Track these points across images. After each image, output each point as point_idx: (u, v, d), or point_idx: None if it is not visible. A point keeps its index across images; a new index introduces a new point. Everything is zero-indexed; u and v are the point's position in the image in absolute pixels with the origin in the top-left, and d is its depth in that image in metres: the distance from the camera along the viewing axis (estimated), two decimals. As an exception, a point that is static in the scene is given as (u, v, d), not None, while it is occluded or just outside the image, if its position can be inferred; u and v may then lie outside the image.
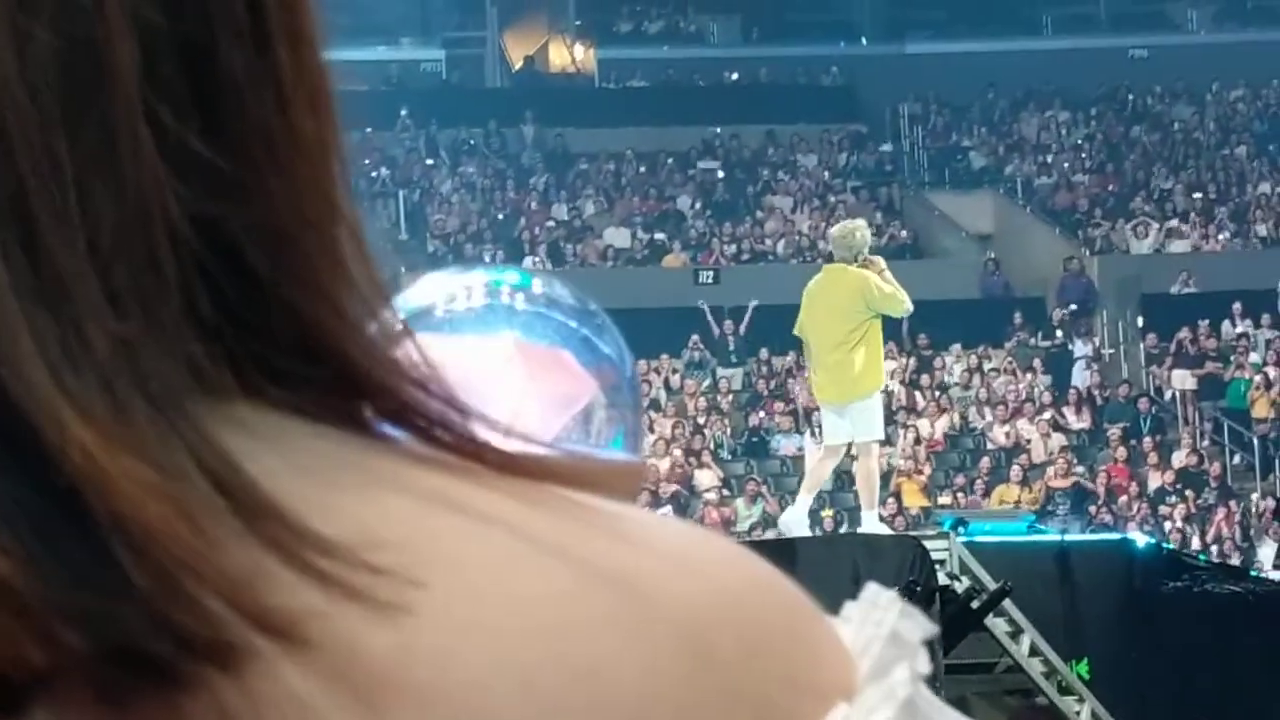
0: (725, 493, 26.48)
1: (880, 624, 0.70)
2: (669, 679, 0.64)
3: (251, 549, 0.61)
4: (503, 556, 0.64)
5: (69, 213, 0.62)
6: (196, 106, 0.65)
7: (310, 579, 0.61)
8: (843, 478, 28.64)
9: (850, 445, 14.07)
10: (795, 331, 14.61)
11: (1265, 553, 22.09)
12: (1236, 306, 31.71)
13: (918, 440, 28.33)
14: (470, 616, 0.63)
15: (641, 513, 0.69)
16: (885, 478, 28.08)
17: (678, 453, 27.10)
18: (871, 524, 14.03)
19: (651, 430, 26.79)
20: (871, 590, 0.71)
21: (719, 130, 38.55)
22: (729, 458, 28.60)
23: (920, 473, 27.03)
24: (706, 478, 26.74)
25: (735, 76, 41.34)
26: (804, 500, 14.44)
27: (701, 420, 29.15)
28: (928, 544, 12.44)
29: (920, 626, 0.70)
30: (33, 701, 0.59)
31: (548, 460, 0.68)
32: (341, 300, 0.68)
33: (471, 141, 38.90)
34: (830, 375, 14.10)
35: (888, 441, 28.68)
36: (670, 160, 37.90)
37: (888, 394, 30.13)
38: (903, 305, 13.89)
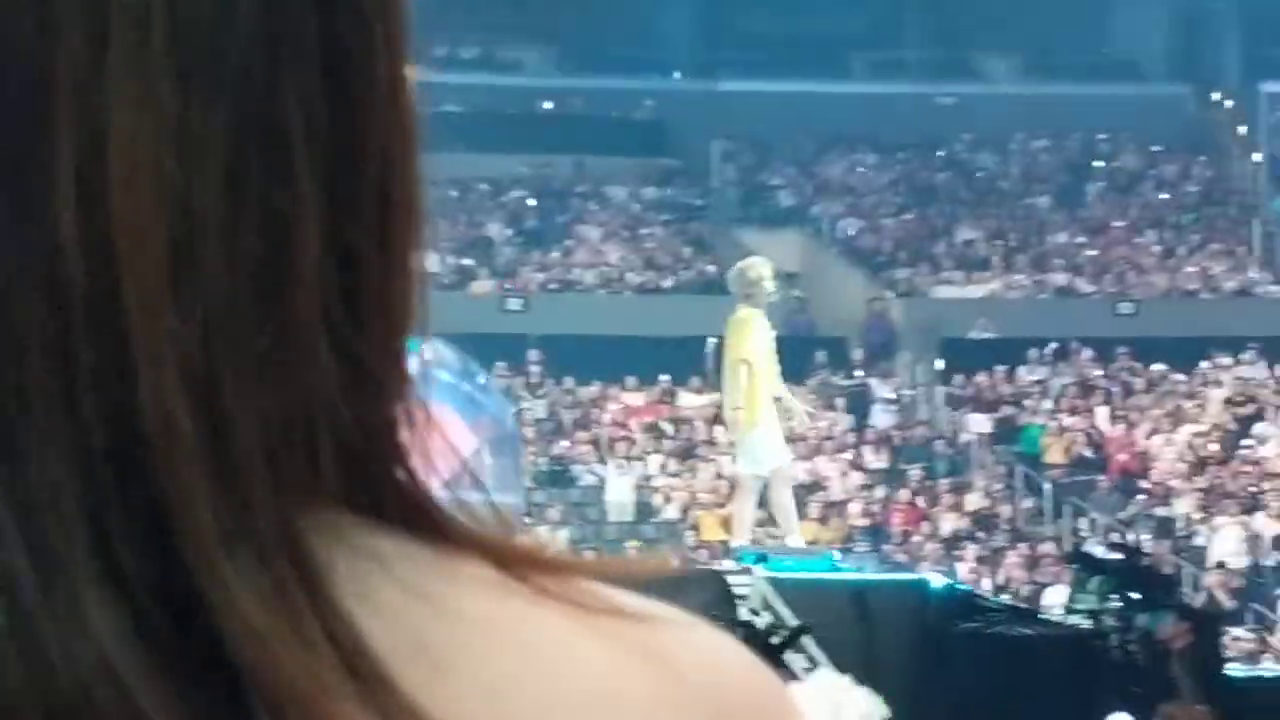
0: (527, 520, 26.49)
1: (840, 705, 0.83)
2: None
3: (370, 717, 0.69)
4: (561, 639, 0.74)
5: (250, 399, 0.69)
6: (349, 307, 0.73)
7: None
8: (642, 509, 28.77)
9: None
10: None
11: (1055, 596, 22.50)
12: (1033, 353, 32.29)
13: (719, 475, 28.54)
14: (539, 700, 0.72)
15: (652, 603, 0.79)
16: (685, 510, 28.31)
17: (480, 479, 27.05)
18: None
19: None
20: (821, 675, 0.85)
21: (531, 159, 38.57)
22: (532, 486, 28.62)
23: (721, 506, 27.21)
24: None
25: (549, 106, 41.42)
26: (739, 540, 14.99)
27: (505, 448, 29.12)
28: (731, 579, 12.56)
29: (881, 709, 0.83)
30: None
31: (572, 558, 0.78)
32: (417, 467, 0.76)
33: (282, 162, 38.55)
34: (728, 411, 14.81)
35: (692, 474, 28.92)
36: (482, 187, 37.87)
37: (691, 427, 30.38)
38: (740, 364, 14.34)
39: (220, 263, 0.68)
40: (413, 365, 0.77)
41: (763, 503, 15.58)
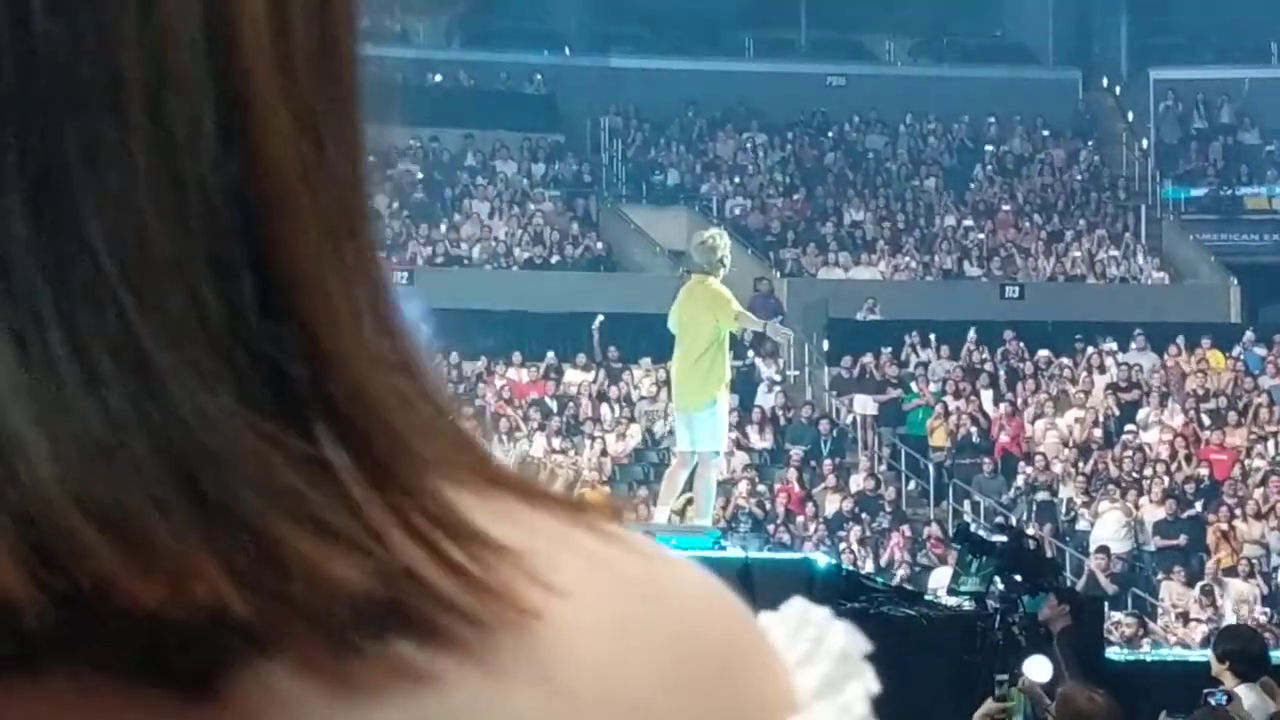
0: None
1: (821, 640, 0.73)
2: (671, 679, 0.69)
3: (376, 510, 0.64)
4: (585, 577, 0.69)
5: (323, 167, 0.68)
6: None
7: (443, 566, 0.65)
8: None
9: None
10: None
11: (939, 577, 22.54)
12: (919, 336, 32.35)
13: (604, 452, 28.43)
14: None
15: (641, 537, 0.73)
16: (569, 487, 28.20)
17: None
18: None
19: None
20: (797, 604, 0.74)
21: (419, 131, 38.31)
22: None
23: (605, 484, 27.11)
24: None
25: (438, 79, 41.14)
26: (661, 512, 14.71)
27: (387, 422, 28.90)
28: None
29: (862, 644, 0.73)
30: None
31: (575, 494, 0.73)
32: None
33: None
34: (679, 384, 14.43)
35: (576, 452, 28.79)
36: (368, 159, 37.53)
37: (576, 405, 30.26)
38: (714, 335, 14.03)
39: (309, 35, 0.70)
40: None
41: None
